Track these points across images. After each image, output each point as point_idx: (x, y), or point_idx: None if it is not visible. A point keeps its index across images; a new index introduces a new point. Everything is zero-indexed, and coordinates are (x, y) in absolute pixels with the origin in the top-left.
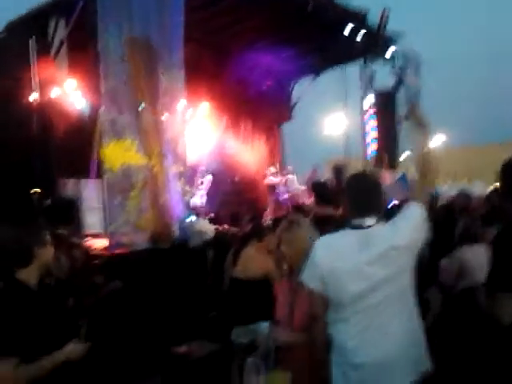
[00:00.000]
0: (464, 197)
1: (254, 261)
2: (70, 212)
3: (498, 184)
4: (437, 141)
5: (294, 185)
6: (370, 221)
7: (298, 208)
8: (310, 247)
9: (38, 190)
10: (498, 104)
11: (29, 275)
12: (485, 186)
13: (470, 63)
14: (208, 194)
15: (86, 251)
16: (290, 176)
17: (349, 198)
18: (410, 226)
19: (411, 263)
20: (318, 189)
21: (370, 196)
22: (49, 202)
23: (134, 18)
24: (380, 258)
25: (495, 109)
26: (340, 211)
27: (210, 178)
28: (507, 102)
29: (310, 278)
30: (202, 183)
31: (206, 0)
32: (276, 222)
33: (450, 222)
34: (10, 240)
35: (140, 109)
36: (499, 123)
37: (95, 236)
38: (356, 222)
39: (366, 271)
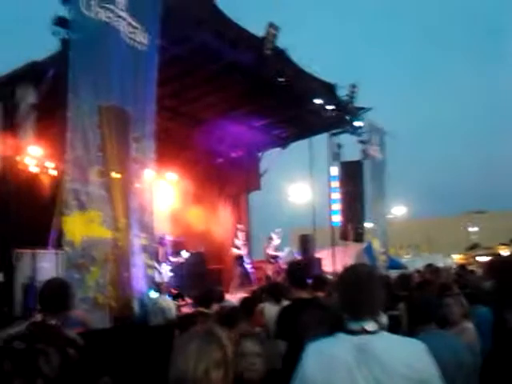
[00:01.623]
0: (434, 272)
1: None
2: (63, 298)
3: (457, 257)
4: (397, 212)
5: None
6: (369, 325)
7: (274, 287)
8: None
9: None
10: (460, 176)
11: None
12: (443, 259)
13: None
14: (176, 271)
15: (82, 347)
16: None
17: (340, 294)
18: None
19: None
20: (294, 271)
21: (366, 293)
22: (1, 276)
23: (108, 86)
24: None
25: (456, 180)
26: (320, 294)
27: (186, 255)
28: (468, 174)
29: None
30: (168, 258)
31: (181, 71)
32: (246, 303)
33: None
34: None
35: (111, 178)
36: (461, 195)
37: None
38: (352, 325)
39: None
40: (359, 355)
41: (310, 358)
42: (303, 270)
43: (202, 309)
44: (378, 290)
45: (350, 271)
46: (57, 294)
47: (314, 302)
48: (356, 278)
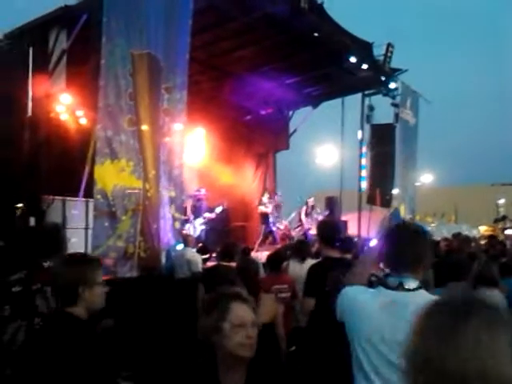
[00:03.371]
0: (463, 240)
1: (265, 303)
2: (56, 241)
3: (483, 228)
4: (425, 179)
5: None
6: (407, 282)
7: (301, 245)
8: None
9: (21, 205)
10: (491, 145)
11: (78, 313)
12: (470, 229)
13: (465, 103)
14: (206, 225)
15: None
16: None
17: (386, 249)
18: None
19: None
20: (325, 230)
21: (408, 250)
22: (32, 220)
23: (141, 34)
24: None
25: (487, 150)
26: (348, 256)
27: (220, 209)
28: (500, 144)
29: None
30: (201, 212)
31: (212, 22)
32: (272, 259)
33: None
34: (59, 277)
35: (141, 128)
36: (489, 165)
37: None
38: (390, 280)
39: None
40: (390, 309)
41: (342, 298)
42: (334, 229)
43: (224, 262)
44: (421, 248)
45: (397, 227)
46: (49, 237)
47: (343, 261)
48: (401, 235)
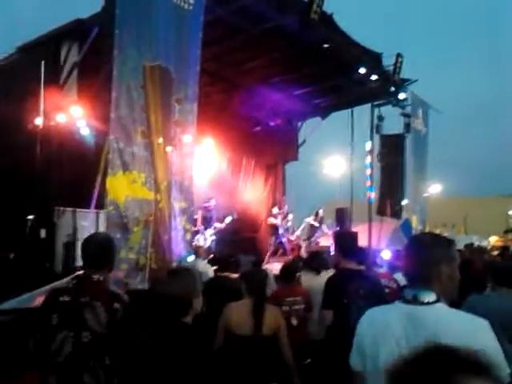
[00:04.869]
0: (476, 251)
1: (268, 315)
2: (107, 253)
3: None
4: (433, 190)
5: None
6: (423, 295)
7: (316, 257)
8: None
9: (32, 217)
10: (501, 156)
11: (189, 321)
12: (480, 239)
13: (475, 112)
14: (217, 236)
15: (128, 303)
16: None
17: (404, 260)
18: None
19: None
20: (344, 241)
21: (429, 261)
22: (43, 231)
23: (153, 46)
24: None
25: (497, 160)
26: (362, 267)
27: (229, 219)
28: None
29: (353, 356)
30: (212, 223)
31: (221, 34)
32: (286, 271)
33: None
34: (180, 293)
35: (153, 140)
36: (498, 176)
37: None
38: (407, 293)
39: None
40: (408, 325)
41: (363, 323)
42: (353, 240)
43: (227, 273)
44: (437, 258)
45: (415, 238)
46: (101, 249)
47: (360, 272)
48: (417, 246)
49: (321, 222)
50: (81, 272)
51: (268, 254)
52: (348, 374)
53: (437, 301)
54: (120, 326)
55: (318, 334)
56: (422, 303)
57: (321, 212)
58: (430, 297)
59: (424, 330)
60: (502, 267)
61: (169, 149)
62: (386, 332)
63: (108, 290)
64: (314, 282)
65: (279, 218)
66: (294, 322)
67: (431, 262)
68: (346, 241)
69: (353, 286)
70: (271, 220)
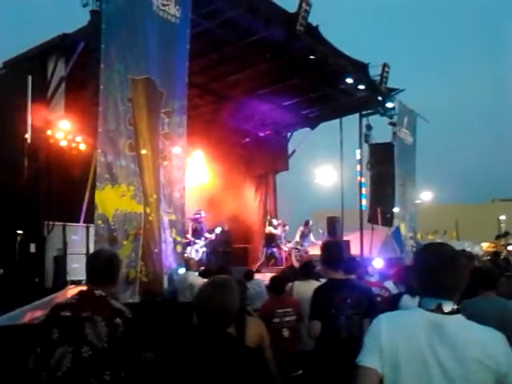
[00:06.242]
0: (468, 258)
1: (250, 326)
2: (112, 270)
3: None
4: (424, 197)
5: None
6: (450, 305)
7: (306, 265)
8: None
9: (21, 231)
10: (490, 162)
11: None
12: (471, 245)
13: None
14: (208, 248)
15: (129, 319)
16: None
17: (419, 271)
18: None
19: None
20: (326, 252)
21: (448, 272)
22: (33, 246)
23: (140, 59)
24: (458, 366)
25: (486, 166)
26: (352, 276)
27: (219, 230)
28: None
29: (366, 355)
30: (203, 234)
31: (207, 47)
32: (275, 281)
33: None
34: (226, 305)
35: (141, 153)
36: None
37: (78, 283)
38: (428, 303)
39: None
40: (432, 333)
41: (385, 325)
42: (337, 250)
43: None
44: (461, 270)
45: (432, 249)
46: (105, 265)
47: (347, 282)
48: (440, 256)
49: (309, 232)
50: (84, 287)
51: (258, 263)
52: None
53: (458, 311)
54: (120, 341)
55: (309, 344)
56: (445, 312)
57: (311, 222)
58: (453, 306)
59: (447, 338)
60: (484, 273)
61: (158, 161)
62: (409, 335)
63: (110, 305)
64: (305, 291)
65: (279, 228)
66: (286, 333)
67: (457, 272)
68: (329, 252)
69: (339, 296)
70: (270, 229)
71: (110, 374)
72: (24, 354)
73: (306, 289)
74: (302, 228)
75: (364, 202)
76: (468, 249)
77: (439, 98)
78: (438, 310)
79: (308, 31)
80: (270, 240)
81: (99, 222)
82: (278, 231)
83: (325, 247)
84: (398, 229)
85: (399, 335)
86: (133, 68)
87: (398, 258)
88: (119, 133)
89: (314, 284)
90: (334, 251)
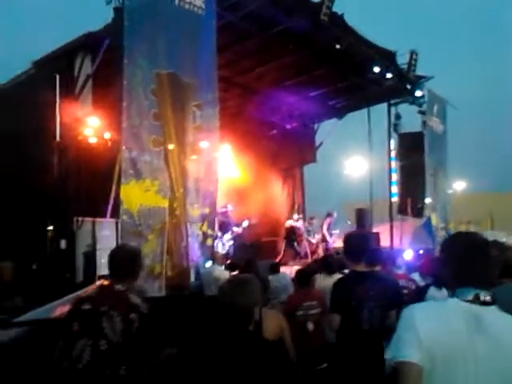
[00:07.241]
0: (501, 249)
1: (269, 318)
2: (132, 265)
3: None
4: (457, 187)
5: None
6: (487, 295)
7: (328, 259)
8: None
9: (51, 227)
10: None
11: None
12: (506, 236)
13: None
14: (235, 241)
15: (145, 314)
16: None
17: (453, 261)
18: None
19: None
20: (347, 244)
21: (483, 262)
22: (63, 242)
23: (164, 54)
24: (497, 356)
25: None
26: (377, 268)
27: (246, 223)
28: None
29: (405, 349)
30: (230, 228)
31: (233, 40)
32: (301, 274)
33: None
34: (247, 302)
35: (167, 147)
36: None
37: (107, 278)
38: (465, 293)
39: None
40: (472, 324)
41: (420, 316)
42: (359, 242)
43: None
44: (493, 260)
45: (465, 237)
46: (126, 260)
47: (369, 274)
48: (474, 246)
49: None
50: (105, 281)
51: (279, 257)
52: (361, 379)
53: (494, 301)
54: (134, 336)
55: (331, 337)
56: (483, 303)
57: (335, 214)
58: (490, 297)
59: (485, 328)
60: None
61: (186, 155)
62: (448, 326)
63: (127, 301)
64: (326, 283)
65: (300, 221)
66: (310, 326)
67: (490, 262)
68: (350, 243)
69: (361, 288)
70: (290, 223)
71: (125, 368)
72: (53, 347)
73: (326, 281)
74: (328, 220)
75: (394, 189)
76: (503, 239)
77: (474, 85)
78: (476, 300)
79: (333, 20)
80: (291, 233)
81: (124, 217)
82: (298, 224)
83: (346, 239)
84: (429, 219)
85: (438, 326)
86: (157, 63)
87: (429, 249)
88: (144, 128)
89: (335, 277)
90: (355, 243)
